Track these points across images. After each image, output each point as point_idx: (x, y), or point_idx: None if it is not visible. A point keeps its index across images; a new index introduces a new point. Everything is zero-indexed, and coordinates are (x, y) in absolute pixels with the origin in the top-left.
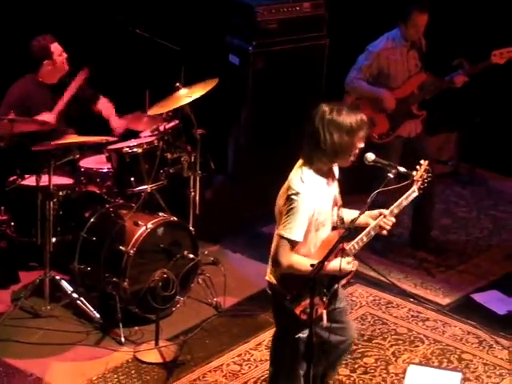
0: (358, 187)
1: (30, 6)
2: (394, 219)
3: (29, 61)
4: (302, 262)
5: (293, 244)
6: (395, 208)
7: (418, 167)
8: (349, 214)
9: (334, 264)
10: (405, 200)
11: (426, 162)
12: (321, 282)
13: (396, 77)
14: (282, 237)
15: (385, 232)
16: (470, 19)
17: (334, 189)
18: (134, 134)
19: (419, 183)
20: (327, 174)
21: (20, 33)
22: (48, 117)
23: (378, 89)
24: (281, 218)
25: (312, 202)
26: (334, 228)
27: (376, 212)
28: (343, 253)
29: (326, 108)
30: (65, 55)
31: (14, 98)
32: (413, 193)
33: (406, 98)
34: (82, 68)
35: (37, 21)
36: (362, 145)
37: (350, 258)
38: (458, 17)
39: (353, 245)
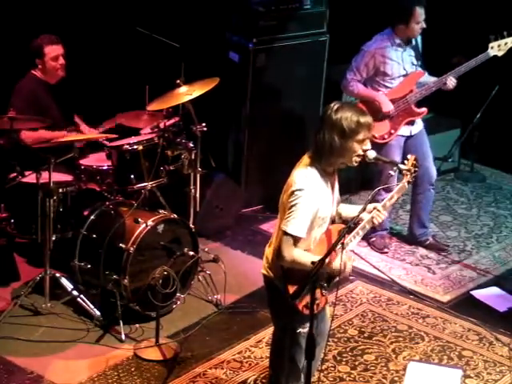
0: (358, 184)
1: (30, 3)
2: (386, 213)
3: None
4: (304, 256)
5: (296, 239)
6: (387, 201)
7: (405, 161)
8: (346, 209)
9: (336, 264)
10: (396, 193)
11: (413, 157)
12: (321, 276)
13: (392, 76)
14: (285, 232)
15: (376, 223)
16: (469, 15)
17: (336, 187)
18: (135, 132)
19: (408, 176)
20: (332, 173)
21: (19, 32)
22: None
23: (375, 92)
24: (284, 213)
25: (315, 199)
26: (331, 223)
27: (370, 206)
28: (342, 246)
29: (330, 105)
30: (61, 61)
31: (26, 96)
32: (403, 186)
33: (405, 97)
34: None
35: (34, 18)
36: (366, 146)
37: (349, 254)
38: (456, 13)
39: (350, 238)
